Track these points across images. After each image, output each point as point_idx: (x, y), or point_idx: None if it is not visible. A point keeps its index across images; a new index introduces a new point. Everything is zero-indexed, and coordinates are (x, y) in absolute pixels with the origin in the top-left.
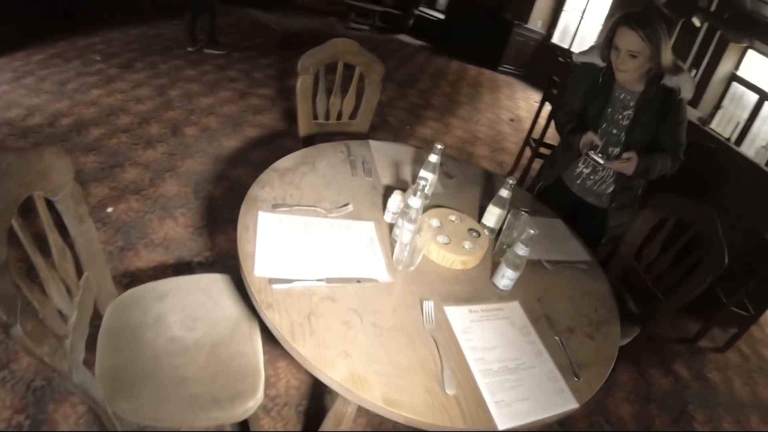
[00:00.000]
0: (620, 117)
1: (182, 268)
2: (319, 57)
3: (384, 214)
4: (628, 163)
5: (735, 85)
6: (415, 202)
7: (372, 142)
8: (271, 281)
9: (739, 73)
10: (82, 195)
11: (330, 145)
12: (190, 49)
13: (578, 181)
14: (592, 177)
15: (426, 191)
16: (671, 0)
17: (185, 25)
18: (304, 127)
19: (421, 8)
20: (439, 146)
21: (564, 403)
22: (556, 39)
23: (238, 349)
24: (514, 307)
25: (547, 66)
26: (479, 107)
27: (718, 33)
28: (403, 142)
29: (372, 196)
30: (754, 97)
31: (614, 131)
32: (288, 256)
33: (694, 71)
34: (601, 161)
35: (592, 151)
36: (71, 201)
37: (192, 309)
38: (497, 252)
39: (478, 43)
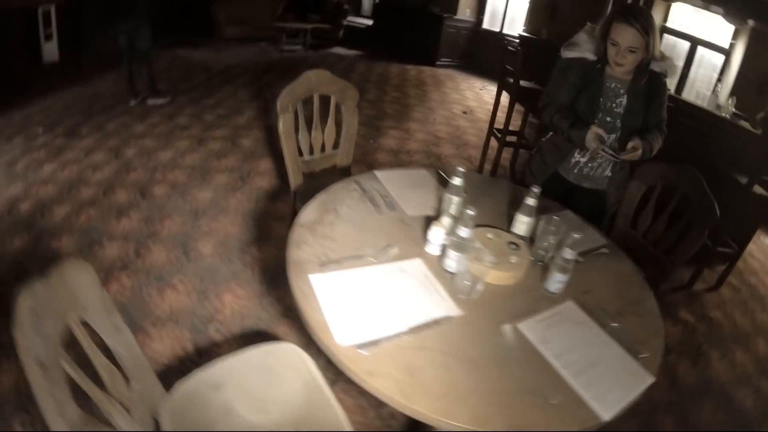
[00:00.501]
0: (613, 105)
1: (201, 339)
2: (296, 93)
3: (426, 246)
4: (637, 151)
5: (666, 37)
6: (465, 232)
7: (378, 173)
8: (359, 347)
9: (668, 24)
10: (112, 303)
11: (341, 185)
12: (132, 103)
13: (575, 171)
14: (589, 164)
15: (453, 212)
16: None
17: (123, 78)
18: (293, 167)
19: (348, 18)
20: (462, 169)
21: (643, 379)
22: (486, 24)
23: (321, 418)
24: (571, 307)
25: (483, 53)
26: (431, 106)
27: None
28: (372, 157)
29: (406, 231)
30: (686, 45)
31: (609, 119)
32: (359, 315)
33: None
34: (617, 157)
35: (603, 146)
36: (104, 313)
37: (257, 390)
38: (536, 258)
39: (412, 42)
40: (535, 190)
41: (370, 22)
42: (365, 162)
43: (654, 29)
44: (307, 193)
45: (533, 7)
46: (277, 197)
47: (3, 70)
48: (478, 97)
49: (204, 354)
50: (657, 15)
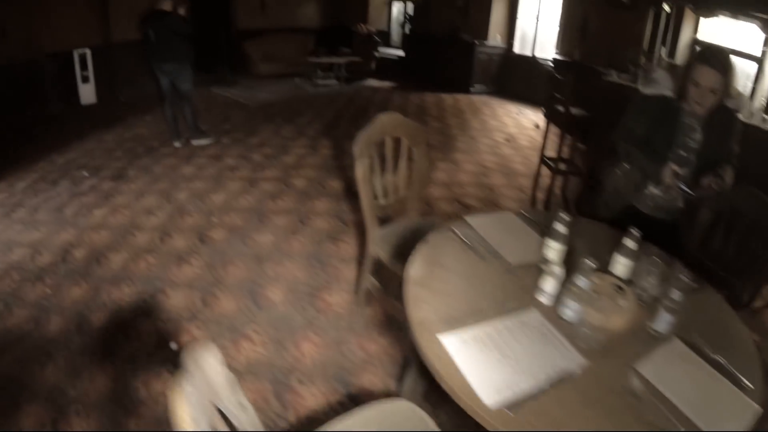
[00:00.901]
0: (689, 140)
1: (284, 391)
2: (371, 138)
3: (538, 295)
4: (711, 188)
5: (698, 48)
6: (583, 282)
7: (469, 219)
8: (507, 407)
9: (699, 36)
10: (235, 379)
11: (438, 236)
12: (177, 144)
13: (650, 203)
14: (664, 197)
15: (557, 259)
16: None
17: (166, 119)
18: (370, 212)
19: (378, 50)
20: (565, 216)
21: (751, 411)
22: (517, 49)
23: None
24: (677, 344)
25: (515, 77)
26: (473, 135)
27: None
28: (425, 191)
29: (515, 281)
30: None
31: (684, 154)
32: (497, 374)
33: (663, 48)
34: (692, 193)
35: (679, 182)
36: (230, 392)
37: None
38: (639, 299)
39: (444, 71)
40: (635, 232)
41: (401, 53)
42: (423, 196)
43: (733, 70)
44: (387, 239)
45: (564, 30)
46: (339, 238)
47: (42, 112)
48: (517, 122)
49: (289, 407)
50: (688, 29)
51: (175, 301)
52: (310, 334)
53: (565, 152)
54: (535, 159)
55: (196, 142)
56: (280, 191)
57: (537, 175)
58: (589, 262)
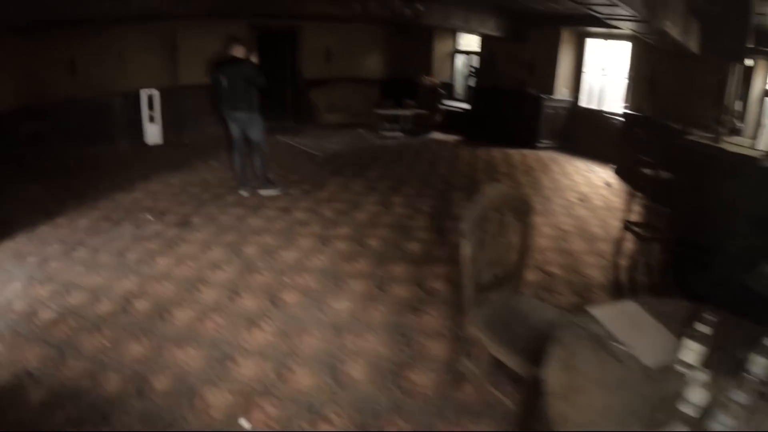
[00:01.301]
0: None
1: None
2: (477, 215)
3: (682, 406)
4: None
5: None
6: (741, 397)
7: (593, 311)
8: None
9: None
10: None
11: (567, 334)
12: (244, 194)
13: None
14: None
15: (698, 364)
16: (722, 51)
17: (234, 168)
18: (471, 292)
19: (443, 102)
20: (711, 317)
21: None
22: (583, 103)
23: None
24: None
25: (581, 132)
26: (546, 195)
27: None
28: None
29: (656, 389)
30: None
31: None
32: None
33: (740, 102)
34: None
35: None
36: None
37: None
38: None
39: (510, 125)
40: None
41: (465, 106)
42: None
43: None
44: (485, 319)
45: (633, 83)
46: (422, 309)
47: (108, 149)
48: (587, 180)
49: None
50: (758, 81)
51: (246, 370)
52: (397, 419)
53: (644, 215)
54: (611, 221)
55: (263, 193)
56: (354, 252)
57: (619, 241)
58: (751, 376)
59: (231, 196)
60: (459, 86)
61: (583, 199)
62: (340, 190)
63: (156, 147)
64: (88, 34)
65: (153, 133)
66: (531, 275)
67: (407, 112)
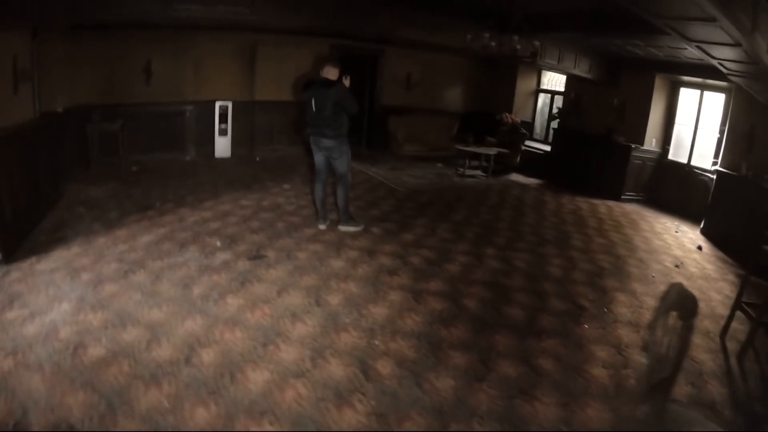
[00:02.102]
0: None
1: None
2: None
3: None
4: None
5: None
6: None
7: None
8: None
9: None
10: None
11: None
12: (322, 227)
13: None
14: None
15: None
16: None
17: (314, 198)
18: None
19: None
20: None
21: None
22: (671, 155)
23: None
24: None
25: (667, 186)
26: (641, 257)
27: None
28: (614, 333)
29: None
30: None
31: None
32: None
33: None
34: None
35: None
36: None
37: None
38: None
39: (594, 173)
40: None
41: (546, 148)
42: (610, 339)
43: None
44: None
45: (730, 138)
46: (532, 393)
47: (178, 159)
48: (678, 242)
49: None
50: None
51: None
52: None
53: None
54: (709, 292)
55: (343, 228)
56: (452, 316)
57: (728, 321)
58: None
59: (308, 228)
60: (540, 126)
61: (679, 266)
62: (426, 234)
63: (225, 160)
64: (166, 39)
65: (223, 146)
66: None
67: (490, 151)
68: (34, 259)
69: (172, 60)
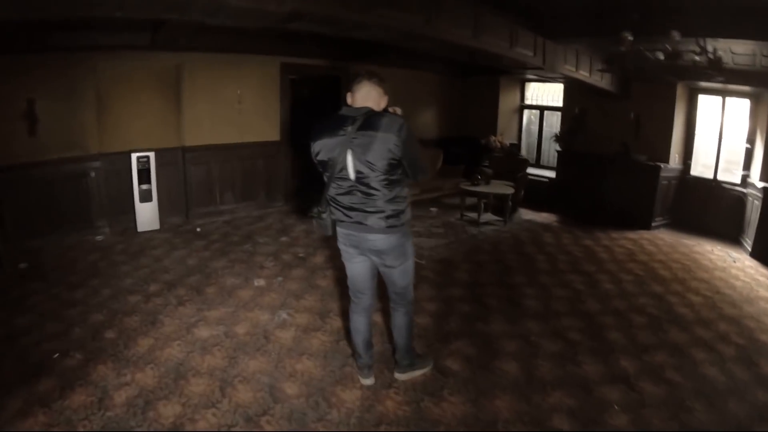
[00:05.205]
0: None
1: None
2: None
3: None
4: None
5: None
6: None
7: None
8: None
9: None
10: None
11: None
12: (367, 382)
13: None
14: None
15: None
16: None
17: (355, 340)
18: None
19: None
20: None
21: None
22: (694, 171)
23: None
24: None
25: (692, 205)
26: (730, 314)
27: None
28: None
29: None
30: None
31: None
32: None
33: None
34: None
35: None
36: None
37: None
38: None
39: (614, 200)
40: None
41: (542, 173)
42: None
43: None
44: None
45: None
46: None
47: (81, 241)
48: (746, 273)
49: None
50: None
51: None
52: None
53: None
54: None
55: (404, 376)
56: None
57: None
58: None
59: (340, 386)
60: (526, 148)
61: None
62: (524, 352)
63: (152, 236)
64: (54, 66)
65: (147, 214)
66: None
67: (506, 191)
68: None
69: (64, 97)
